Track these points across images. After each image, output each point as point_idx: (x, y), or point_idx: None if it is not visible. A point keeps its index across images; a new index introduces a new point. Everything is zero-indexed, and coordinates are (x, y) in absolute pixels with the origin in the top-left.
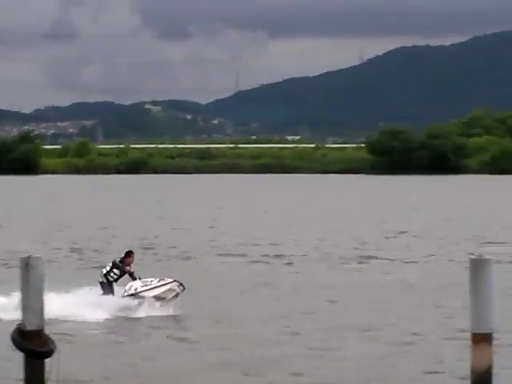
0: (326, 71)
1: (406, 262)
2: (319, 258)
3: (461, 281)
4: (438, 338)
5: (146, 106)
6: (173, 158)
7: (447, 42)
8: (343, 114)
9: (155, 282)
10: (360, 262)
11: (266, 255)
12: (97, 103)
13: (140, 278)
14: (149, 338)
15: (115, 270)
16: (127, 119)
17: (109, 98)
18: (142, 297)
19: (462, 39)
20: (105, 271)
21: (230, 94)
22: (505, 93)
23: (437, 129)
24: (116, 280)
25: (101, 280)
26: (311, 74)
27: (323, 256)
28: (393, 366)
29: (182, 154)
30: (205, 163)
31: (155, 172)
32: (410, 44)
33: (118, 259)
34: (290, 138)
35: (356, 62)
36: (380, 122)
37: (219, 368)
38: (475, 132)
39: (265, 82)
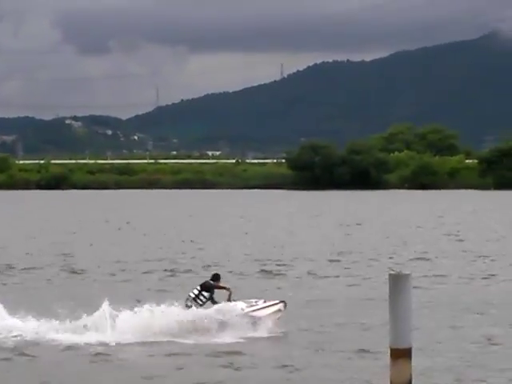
0: (246, 86)
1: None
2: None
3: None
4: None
5: (67, 122)
6: (93, 173)
7: (368, 57)
8: (264, 129)
9: (261, 303)
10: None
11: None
12: (17, 118)
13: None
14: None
15: (205, 293)
16: (48, 134)
17: (29, 114)
18: (254, 317)
19: (383, 54)
20: (193, 295)
21: (151, 109)
22: (425, 108)
23: (358, 144)
24: (204, 303)
25: (190, 304)
26: (231, 90)
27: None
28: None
29: (102, 169)
30: (125, 178)
31: (76, 187)
32: (330, 59)
33: (208, 282)
34: (210, 153)
35: (277, 77)
36: (301, 138)
37: None
38: (396, 147)
39: (185, 98)
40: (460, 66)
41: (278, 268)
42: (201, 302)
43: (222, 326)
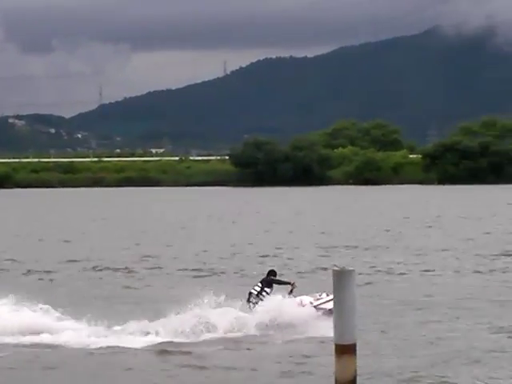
0: (189, 84)
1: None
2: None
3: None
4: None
5: (10, 120)
6: (37, 172)
7: (311, 53)
8: (207, 126)
9: (325, 296)
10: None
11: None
12: None
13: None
14: None
15: (267, 289)
16: None
17: None
18: (325, 309)
19: (326, 50)
20: (256, 291)
21: (94, 107)
22: (368, 104)
23: (301, 140)
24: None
25: (254, 300)
26: (174, 87)
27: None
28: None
29: (46, 168)
30: (69, 177)
31: (19, 186)
32: (273, 55)
33: (269, 278)
34: (153, 151)
35: (220, 74)
36: (245, 134)
37: None
38: (339, 143)
39: (128, 95)
40: (403, 62)
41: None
42: (263, 298)
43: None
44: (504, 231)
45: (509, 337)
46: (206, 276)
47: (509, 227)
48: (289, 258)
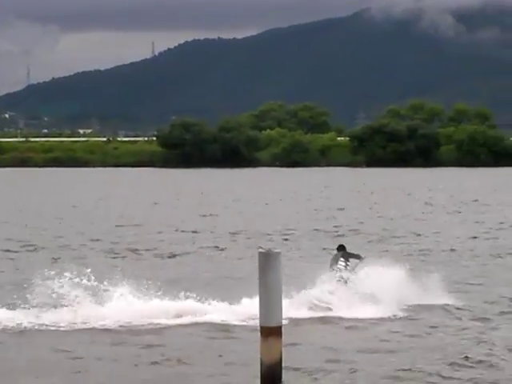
0: (117, 64)
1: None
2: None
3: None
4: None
5: None
6: None
7: (239, 35)
8: (135, 107)
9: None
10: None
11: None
12: None
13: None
14: None
15: (349, 262)
16: None
17: None
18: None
19: (255, 32)
20: (343, 266)
21: (21, 87)
22: (297, 86)
23: (229, 121)
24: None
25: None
26: (103, 68)
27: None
28: None
29: None
30: None
31: None
32: (201, 37)
33: (346, 252)
34: (81, 131)
35: (148, 55)
36: (172, 116)
37: None
38: (267, 125)
39: (56, 76)
40: (332, 44)
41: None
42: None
43: None
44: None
45: None
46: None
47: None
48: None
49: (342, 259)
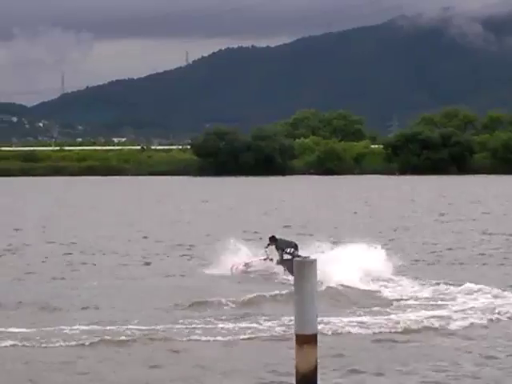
0: (151, 73)
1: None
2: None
3: None
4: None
5: None
6: None
7: (273, 43)
8: (169, 115)
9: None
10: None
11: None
12: None
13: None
14: None
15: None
16: None
17: None
18: None
19: (288, 41)
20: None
21: (56, 96)
22: (330, 94)
23: (263, 130)
24: None
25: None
26: (136, 76)
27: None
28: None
29: (7, 156)
30: (30, 166)
31: None
32: (235, 45)
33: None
34: (115, 140)
35: (182, 64)
36: (206, 124)
37: None
38: (301, 133)
39: (90, 84)
40: (364, 52)
41: None
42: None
43: None
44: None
45: None
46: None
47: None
48: None
49: (287, 250)
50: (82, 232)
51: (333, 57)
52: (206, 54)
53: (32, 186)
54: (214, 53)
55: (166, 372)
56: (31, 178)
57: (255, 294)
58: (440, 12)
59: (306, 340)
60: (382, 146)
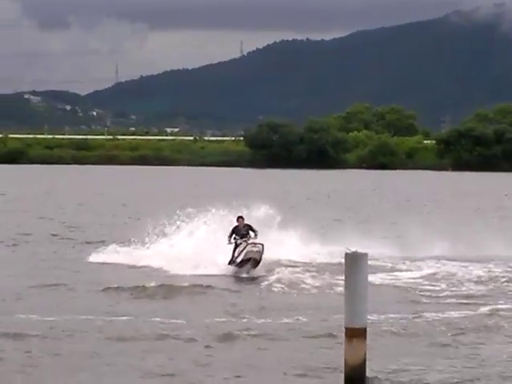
0: (205, 64)
1: None
2: None
3: None
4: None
5: (26, 96)
6: (51, 148)
7: (327, 36)
8: (223, 106)
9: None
10: None
11: None
12: None
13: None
14: None
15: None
16: (6, 109)
17: None
18: None
19: (342, 34)
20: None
21: (110, 85)
22: (384, 88)
23: (316, 123)
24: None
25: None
26: (191, 67)
27: None
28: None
29: (60, 144)
30: (83, 154)
31: (33, 162)
32: (290, 38)
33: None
34: (168, 130)
35: (236, 55)
36: (259, 116)
37: None
38: (354, 127)
39: (144, 74)
40: (418, 47)
41: None
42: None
43: None
44: None
45: None
46: None
47: None
48: None
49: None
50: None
51: (387, 51)
52: (260, 46)
53: (85, 173)
54: (268, 45)
55: None
56: (83, 166)
57: None
58: (493, 8)
59: (356, 333)
60: (434, 142)
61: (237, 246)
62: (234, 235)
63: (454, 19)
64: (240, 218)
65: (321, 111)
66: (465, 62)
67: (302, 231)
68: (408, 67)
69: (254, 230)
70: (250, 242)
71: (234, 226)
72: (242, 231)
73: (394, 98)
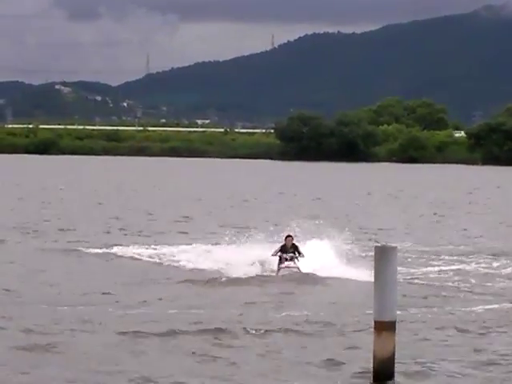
0: (237, 56)
1: None
2: None
3: None
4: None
5: (56, 87)
6: (81, 139)
7: (359, 29)
8: (253, 99)
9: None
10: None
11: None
12: (6, 83)
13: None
14: None
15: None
16: (37, 99)
17: (19, 78)
18: None
19: (374, 27)
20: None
21: (141, 76)
22: (414, 82)
23: (347, 116)
24: None
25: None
26: (222, 59)
27: None
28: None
29: (90, 135)
30: (113, 145)
31: (64, 153)
32: (321, 31)
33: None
34: (199, 121)
35: (268, 48)
36: (290, 108)
37: None
38: (385, 120)
39: (175, 66)
40: (450, 41)
41: None
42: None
43: None
44: None
45: None
46: None
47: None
48: None
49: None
50: None
51: (418, 45)
52: (291, 39)
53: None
54: (299, 37)
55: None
56: (113, 157)
57: None
58: None
59: (385, 327)
60: (465, 136)
61: (280, 260)
62: (279, 253)
63: (484, 14)
64: (289, 236)
65: (351, 104)
66: (495, 57)
67: None
68: (439, 61)
69: (299, 252)
70: (283, 265)
71: (282, 244)
72: (288, 251)
73: (425, 92)
